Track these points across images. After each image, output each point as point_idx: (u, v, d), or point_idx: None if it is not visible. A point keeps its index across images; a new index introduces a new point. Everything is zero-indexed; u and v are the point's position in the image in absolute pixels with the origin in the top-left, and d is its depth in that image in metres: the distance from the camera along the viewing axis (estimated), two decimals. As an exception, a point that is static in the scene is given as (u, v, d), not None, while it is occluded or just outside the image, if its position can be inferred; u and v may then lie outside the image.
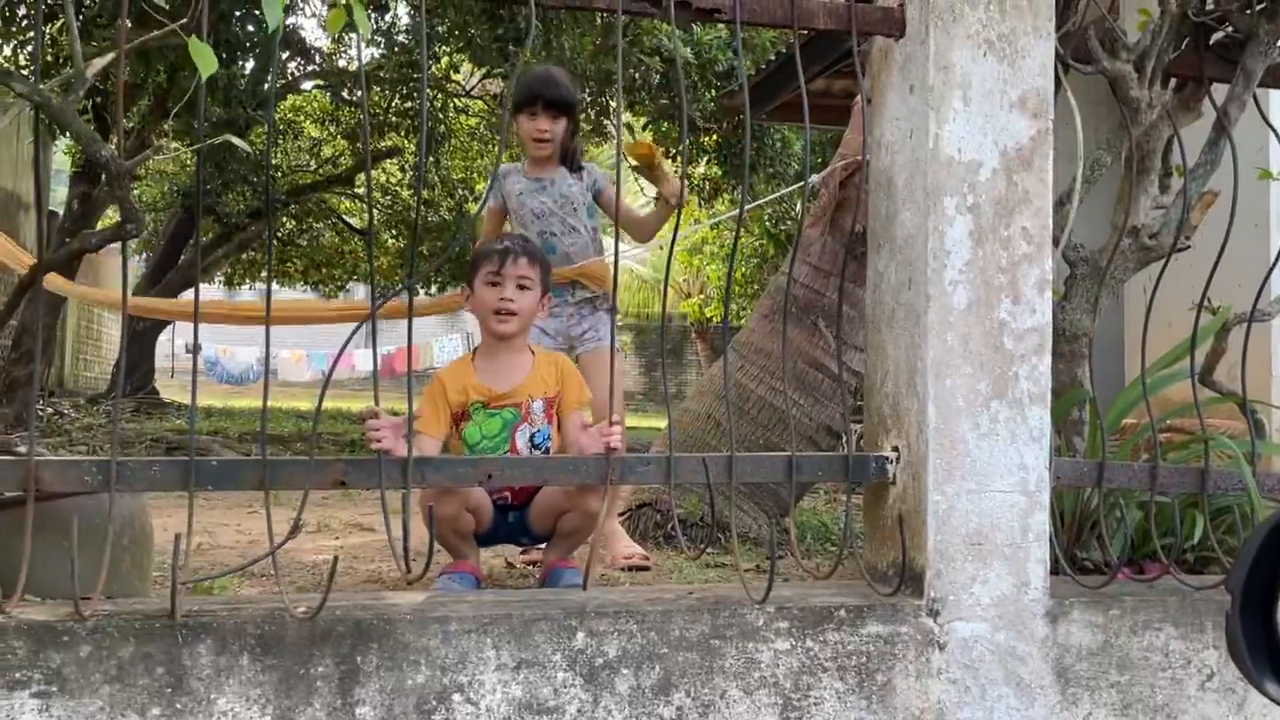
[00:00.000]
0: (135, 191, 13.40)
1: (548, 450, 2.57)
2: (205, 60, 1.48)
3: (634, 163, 3.08)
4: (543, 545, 2.74)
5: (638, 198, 13.32)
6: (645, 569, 2.85)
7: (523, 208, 3.08)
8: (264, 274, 14.97)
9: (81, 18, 6.32)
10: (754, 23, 2.20)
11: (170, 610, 1.77)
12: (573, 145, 3.12)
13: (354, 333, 1.96)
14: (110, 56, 1.76)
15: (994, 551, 2.12)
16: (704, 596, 2.09)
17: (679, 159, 8.85)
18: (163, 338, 13.36)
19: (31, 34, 6.52)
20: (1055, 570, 2.25)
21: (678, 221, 2.34)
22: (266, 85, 10.05)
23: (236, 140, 1.81)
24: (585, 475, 2.07)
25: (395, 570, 2.75)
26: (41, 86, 1.75)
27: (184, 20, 2.01)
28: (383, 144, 11.81)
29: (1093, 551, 2.55)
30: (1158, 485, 2.30)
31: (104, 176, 1.73)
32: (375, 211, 14.35)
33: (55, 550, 1.93)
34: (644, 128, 9.22)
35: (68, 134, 9.10)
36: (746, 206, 8.54)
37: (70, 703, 1.72)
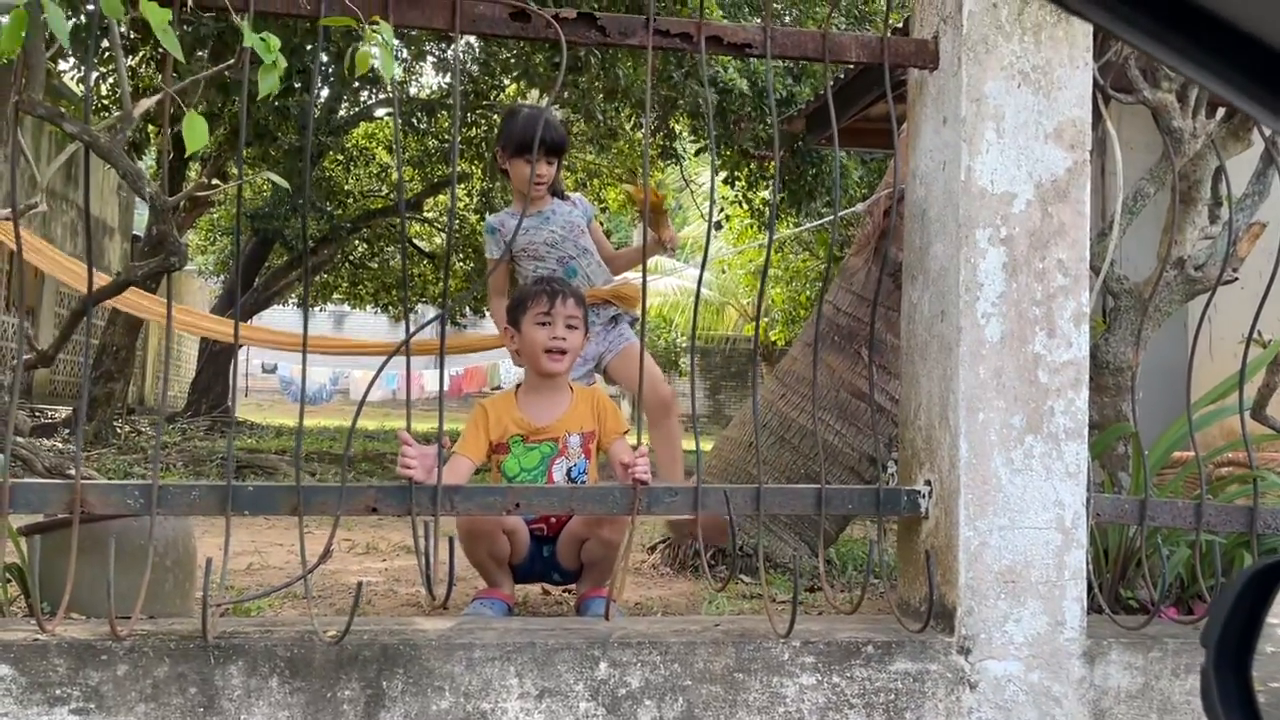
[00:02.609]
0: (214, 216, 13.86)
1: (583, 484, 2.61)
2: (196, 134, 1.54)
3: (638, 206, 3.12)
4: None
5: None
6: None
7: (533, 243, 3.12)
8: (334, 295, 15.27)
9: (159, 53, 6.57)
10: (785, 56, 2.21)
11: (203, 631, 1.83)
12: (557, 179, 3.18)
13: (383, 365, 2.01)
14: (157, 98, 1.83)
15: (1028, 589, 2.08)
16: (729, 629, 2.08)
17: (738, 182, 8.87)
18: (238, 357, 13.72)
19: (111, 66, 6.79)
20: (1096, 609, 2.21)
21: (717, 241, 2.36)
22: (341, 114, 10.33)
23: (277, 179, 1.88)
24: (613, 506, 2.09)
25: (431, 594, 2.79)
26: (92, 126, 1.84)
27: (231, 62, 2.10)
28: (450, 170, 12.03)
29: (1138, 591, 2.48)
30: (1205, 523, 2.24)
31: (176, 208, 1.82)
32: (443, 236, 14.61)
33: (103, 570, 2.00)
34: (696, 154, 9.26)
35: (173, 162, 9.43)
36: (794, 230, 8.51)
37: None
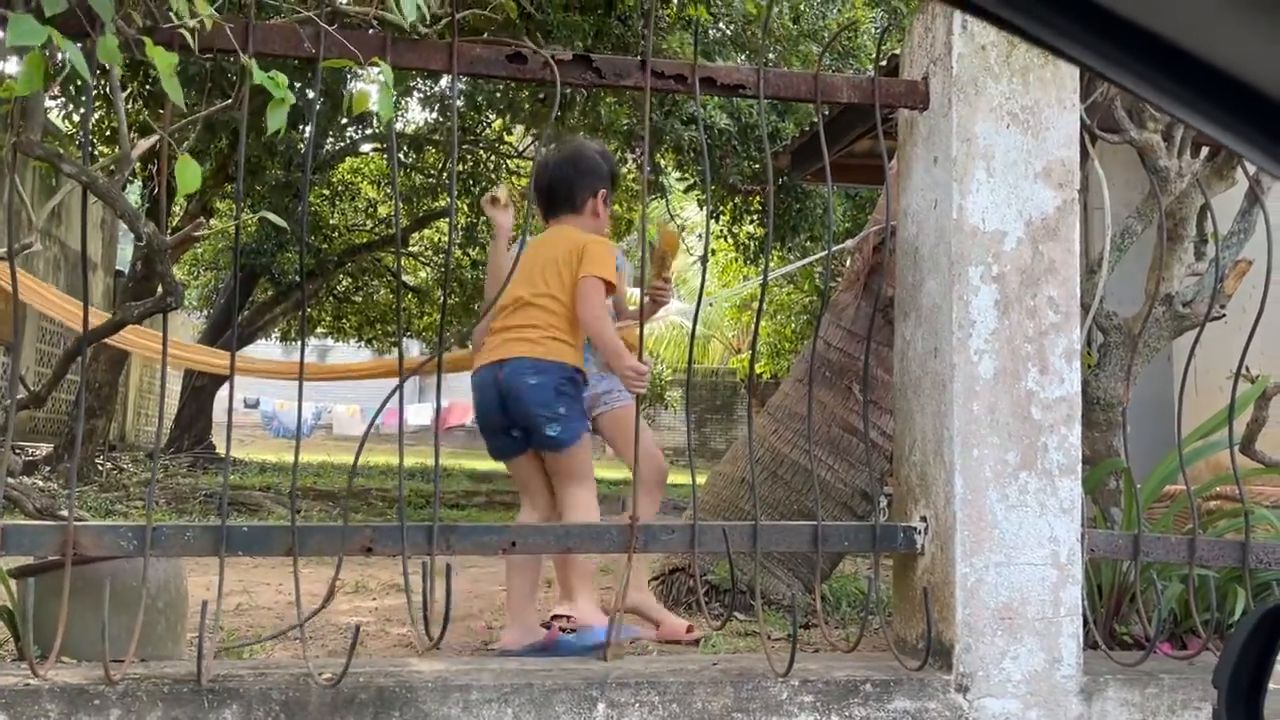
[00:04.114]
0: (198, 250, 13.84)
1: None
2: (189, 177, 1.54)
3: (655, 245, 3.07)
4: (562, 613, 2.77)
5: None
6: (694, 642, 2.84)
7: None
8: (318, 329, 15.21)
9: (148, 90, 6.58)
10: (778, 97, 2.24)
11: (197, 675, 1.81)
12: None
13: (391, 395, 2.01)
14: (154, 139, 1.84)
15: (1025, 626, 2.08)
16: (727, 668, 2.07)
17: (722, 217, 8.94)
18: (221, 393, 13.62)
19: (99, 105, 6.79)
20: (1092, 645, 2.21)
21: (702, 278, 2.37)
22: (326, 149, 10.36)
23: (274, 218, 1.88)
24: (609, 544, 2.09)
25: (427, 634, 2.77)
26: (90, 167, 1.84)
27: (229, 101, 2.11)
28: (436, 205, 12.06)
29: (1133, 625, 2.49)
30: (1198, 558, 2.25)
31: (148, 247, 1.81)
32: (428, 270, 14.61)
33: (94, 613, 1.98)
34: (685, 190, 9.34)
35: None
36: (786, 270, 8.57)
37: (99, 766, 1.76)
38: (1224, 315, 2.45)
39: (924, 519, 2.18)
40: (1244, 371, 2.33)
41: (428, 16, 1.76)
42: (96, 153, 6.79)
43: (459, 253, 12.77)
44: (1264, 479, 3.05)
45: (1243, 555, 2.25)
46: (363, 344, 16.41)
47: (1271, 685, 0.84)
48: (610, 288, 2.54)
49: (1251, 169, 2.39)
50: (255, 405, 21.13)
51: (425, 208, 12.14)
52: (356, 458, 2.02)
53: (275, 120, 1.63)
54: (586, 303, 2.51)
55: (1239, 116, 0.50)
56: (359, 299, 15.30)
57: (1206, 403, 2.90)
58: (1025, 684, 2.07)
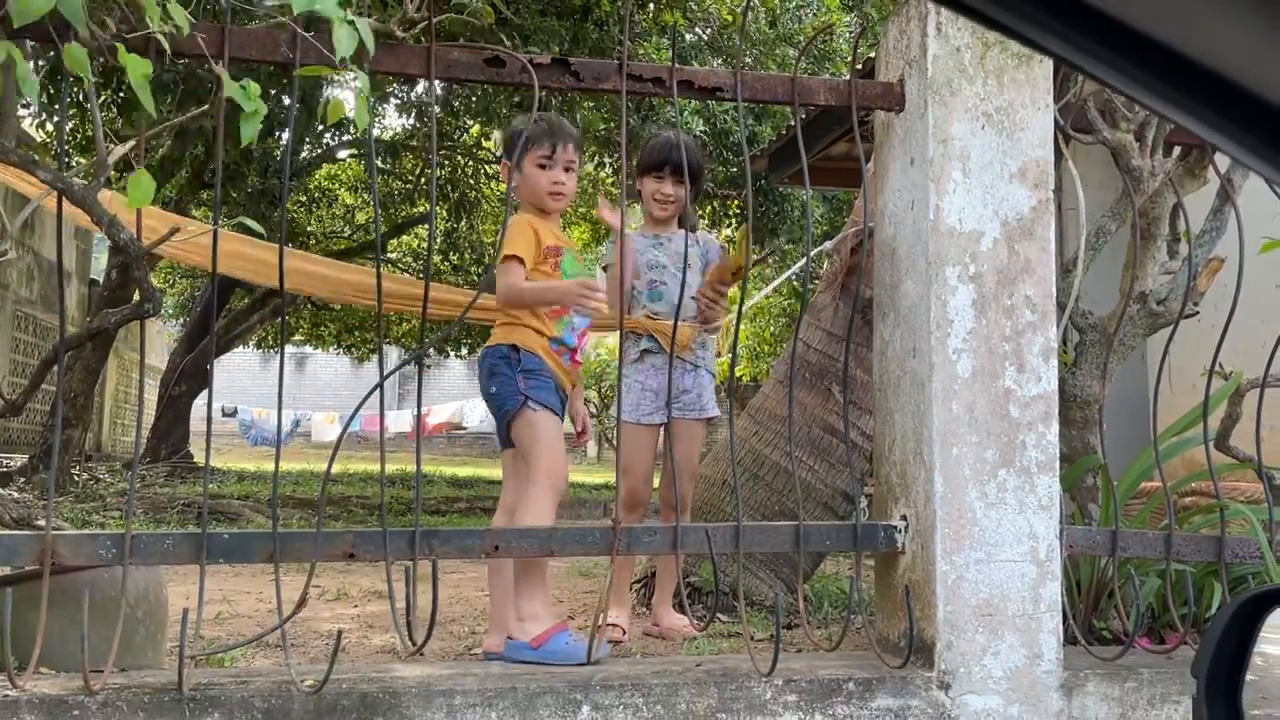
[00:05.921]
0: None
1: None
2: (141, 192, 1.55)
3: (727, 257, 3.13)
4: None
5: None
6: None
7: (638, 261, 3.11)
8: (295, 337, 15.07)
9: (123, 98, 6.54)
10: (756, 100, 2.25)
11: (178, 684, 1.79)
12: (688, 211, 3.13)
13: (366, 397, 2.00)
14: (130, 144, 1.83)
15: (1005, 622, 2.10)
16: (711, 669, 2.08)
17: (702, 221, 8.97)
18: (198, 401, 13.53)
19: (73, 111, 6.74)
20: (1071, 640, 2.23)
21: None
22: (304, 156, 10.31)
23: (252, 224, 1.87)
24: (592, 545, 2.09)
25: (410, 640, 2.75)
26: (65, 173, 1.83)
27: (205, 107, 2.10)
28: (414, 211, 12.03)
29: (1111, 621, 2.51)
30: (1174, 553, 2.27)
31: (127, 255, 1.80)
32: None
33: (73, 623, 1.96)
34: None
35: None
36: (770, 286, 8.59)
37: (79, 777, 1.74)
38: (1197, 313, 2.47)
39: (904, 518, 2.20)
40: (1218, 368, 2.36)
41: (370, 46, 1.74)
42: (73, 162, 6.74)
43: (438, 258, 12.73)
44: (1238, 474, 3.09)
45: (1219, 550, 2.28)
46: (341, 351, 16.33)
47: (1249, 676, 0.86)
48: (520, 260, 2.53)
49: (1223, 167, 2.43)
50: (233, 414, 20.96)
51: (404, 214, 12.11)
52: (333, 455, 2.01)
53: (248, 133, 1.62)
54: (497, 288, 2.56)
55: (1216, 109, 0.51)
56: (338, 306, 15.22)
57: (1181, 399, 2.94)
58: (1006, 680, 2.08)
